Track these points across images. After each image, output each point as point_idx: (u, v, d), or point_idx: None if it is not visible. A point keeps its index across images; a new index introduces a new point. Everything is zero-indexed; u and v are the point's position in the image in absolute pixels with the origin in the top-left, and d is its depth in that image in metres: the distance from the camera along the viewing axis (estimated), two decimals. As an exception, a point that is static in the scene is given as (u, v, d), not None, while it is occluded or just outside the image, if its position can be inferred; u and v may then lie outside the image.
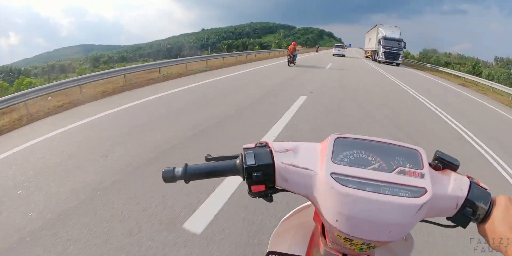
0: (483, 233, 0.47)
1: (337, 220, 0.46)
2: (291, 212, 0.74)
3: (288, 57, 14.02)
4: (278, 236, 0.77)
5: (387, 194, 0.44)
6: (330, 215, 0.47)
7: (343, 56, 27.33)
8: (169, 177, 0.52)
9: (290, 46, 14.08)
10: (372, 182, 0.45)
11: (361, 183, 0.45)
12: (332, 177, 0.45)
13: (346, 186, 0.44)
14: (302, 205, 0.72)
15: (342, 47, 29.82)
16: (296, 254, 0.70)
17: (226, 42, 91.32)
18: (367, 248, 0.51)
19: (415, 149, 0.52)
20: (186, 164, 0.54)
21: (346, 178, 0.45)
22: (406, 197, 0.44)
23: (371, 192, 0.44)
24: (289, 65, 14.01)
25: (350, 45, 40.45)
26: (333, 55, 27.69)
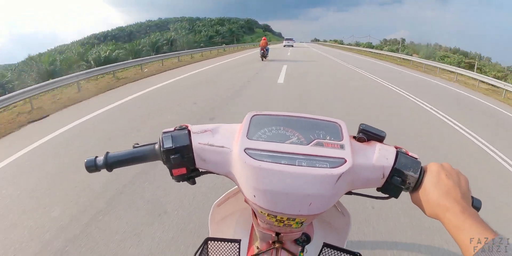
0: (416, 202, 0.47)
1: (254, 196, 0.45)
2: (223, 195, 0.73)
3: (262, 51, 14.18)
4: (220, 222, 0.76)
5: (303, 166, 0.43)
6: (247, 192, 0.46)
7: (292, 46, 35.89)
8: (91, 167, 0.51)
9: (262, 41, 14.37)
10: (287, 155, 0.44)
11: (276, 157, 0.44)
12: (245, 152, 0.44)
13: (260, 160, 0.43)
14: (234, 188, 0.70)
15: (291, 39, 39.25)
16: (238, 238, 0.69)
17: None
18: (295, 224, 0.51)
19: (334, 122, 0.52)
20: (107, 153, 0.52)
21: (260, 152, 0.44)
22: (324, 167, 0.43)
23: (286, 164, 0.43)
24: (262, 60, 14.07)
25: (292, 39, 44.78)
26: (284, 46, 35.14)
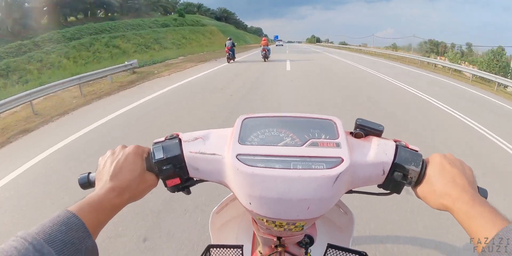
0: (421, 196, 0.45)
1: (250, 203, 0.44)
2: (222, 202, 0.72)
3: (263, 52, 14.33)
4: (221, 228, 0.75)
5: (299, 169, 0.41)
6: (243, 199, 0.45)
7: (282, 45, 43.93)
8: (85, 183, 0.49)
9: (262, 42, 14.54)
10: (282, 158, 0.43)
11: (270, 161, 0.42)
12: (237, 158, 0.43)
13: (252, 166, 0.42)
14: (231, 194, 0.69)
15: (281, 40, 47.51)
16: (240, 244, 0.68)
17: None
18: (295, 228, 0.49)
19: (329, 119, 0.50)
20: None
21: (253, 158, 0.43)
22: (320, 169, 0.41)
23: (280, 168, 0.41)
24: (264, 61, 14.20)
25: (277, 36, 47.43)
26: (276, 45, 41.82)
